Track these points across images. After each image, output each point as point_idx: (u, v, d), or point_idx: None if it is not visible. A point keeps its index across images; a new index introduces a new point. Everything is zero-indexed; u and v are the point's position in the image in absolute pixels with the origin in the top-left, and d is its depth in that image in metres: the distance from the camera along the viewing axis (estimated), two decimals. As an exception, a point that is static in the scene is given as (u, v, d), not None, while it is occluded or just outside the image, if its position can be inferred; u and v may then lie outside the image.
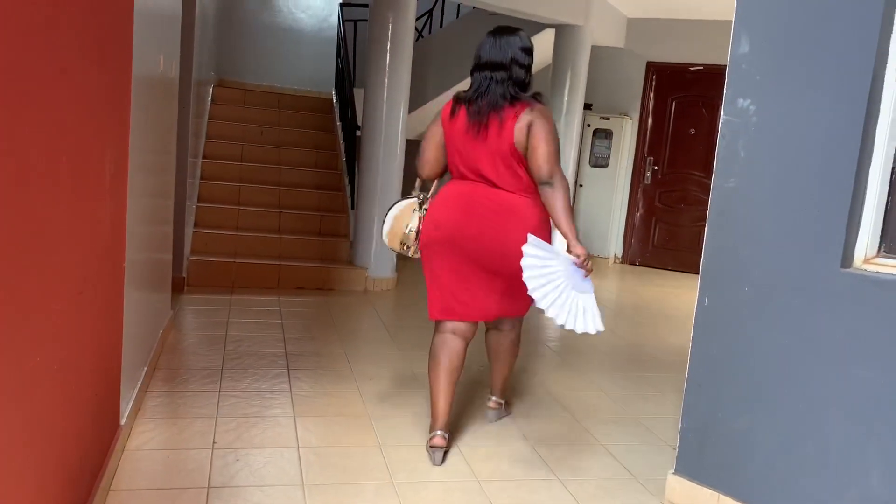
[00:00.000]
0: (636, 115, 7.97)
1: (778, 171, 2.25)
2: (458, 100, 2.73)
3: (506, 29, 2.73)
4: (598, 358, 4.38)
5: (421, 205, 2.87)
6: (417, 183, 2.90)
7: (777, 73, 2.25)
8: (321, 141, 7.17)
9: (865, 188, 2.15)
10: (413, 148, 6.50)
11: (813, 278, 2.18)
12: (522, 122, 2.59)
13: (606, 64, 7.95)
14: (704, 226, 2.46)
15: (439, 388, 2.77)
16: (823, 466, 2.18)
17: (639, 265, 8.07)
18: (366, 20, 5.79)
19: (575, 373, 4.00)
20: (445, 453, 2.75)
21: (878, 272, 2.12)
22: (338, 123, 7.34)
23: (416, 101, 6.93)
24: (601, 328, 2.52)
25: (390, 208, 2.95)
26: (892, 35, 2.09)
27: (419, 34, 7.94)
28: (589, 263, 2.56)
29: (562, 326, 2.48)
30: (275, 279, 5.42)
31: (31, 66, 1.38)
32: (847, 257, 2.15)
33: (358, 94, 6.51)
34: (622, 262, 8.16)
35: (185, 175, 4.77)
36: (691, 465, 2.49)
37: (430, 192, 2.91)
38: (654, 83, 7.89)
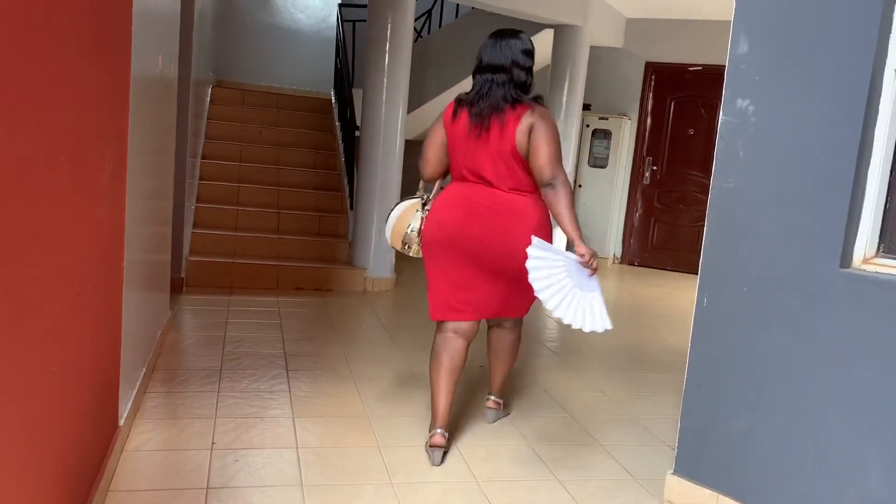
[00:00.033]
0: (635, 116, 7.97)
1: (777, 172, 2.26)
2: (459, 102, 2.74)
3: (507, 31, 2.75)
4: (597, 358, 4.39)
5: (424, 205, 2.89)
6: (421, 184, 2.93)
7: (776, 73, 2.25)
8: (320, 141, 7.17)
9: (864, 188, 2.15)
10: (412, 148, 6.49)
11: (812, 278, 2.18)
12: (524, 125, 2.60)
13: (605, 64, 7.96)
14: (703, 226, 2.46)
15: (440, 386, 2.78)
16: (822, 466, 2.18)
17: (638, 265, 8.07)
18: (364, 20, 5.78)
19: (574, 373, 4.01)
20: (445, 454, 2.75)
21: (876, 272, 2.12)
22: (336, 124, 7.34)
23: (414, 102, 6.93)
24: (609, 326, 2.52)
25: (393, 208, 2.98)
26: (891, 35, 2.09)
27: (418, 34, 7.94)
28: (594, 262, 2.58)
29: (569, 326, 2.49)
30: (274, 280, 5.42)
31: (30, 66, 1.38)
32: (846, 257, 2.15)
33: (357, 94, 6.51)
34: (621, 263, 8.16)
35: (184, 175, 4.77)
36: (690, 466, 2.49)
37: (433, 193, 2.92)
38: (652, 83, 7.90)
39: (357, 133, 6.18)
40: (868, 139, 2.12)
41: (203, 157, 6.27)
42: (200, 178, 6.05)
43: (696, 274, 2.47)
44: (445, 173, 2.86)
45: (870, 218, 2.17)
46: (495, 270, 2.72)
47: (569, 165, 7.19)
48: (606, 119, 8.01)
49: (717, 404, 2.41)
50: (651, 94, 7.91)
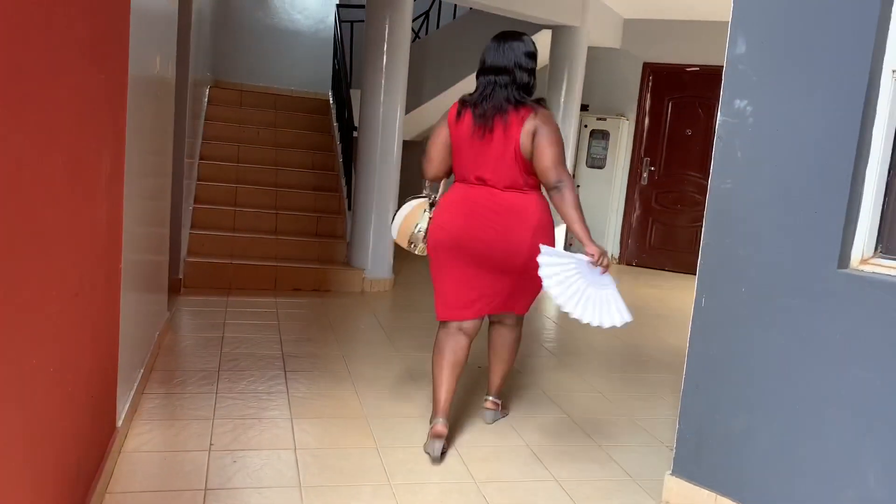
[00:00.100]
0: (633, 116, 7.97)
1: (775, 172, 2.26)
2: (463, 103, 2.79)
3: (510, 34, 2.81)
4: (595, 359, 4.39)
5: (431, 205, 2.94)
6: (427, 182, 2.97)
7: (774, 73, 2.26)
8: (318, 142, 7.16)
9: (862, 189, 2.15)
10: (410, 149, 6.48)
11: (810, 279, 2.19)
12: (528, 128, 2.66)
13: (603, 65, 7.96)
14: (701, 226, 2.46)
15: (442, 379, 2.82)
16: (821, 467, 2.18)
17: (636, 266, 8.07)
18: (362, 21, 5.78)
19: (572, 373, 4.00)
20: (443, 454, 2.76)
21: (874, 273, 2.12)
22: (334, 124, 7.33)
23: (412, 103, 6.93)
24: (628, 318, 2.56)
25: (400, 206, 3.01)
26: (889, 35, 2.09)
27: (416, 35, 7.94)
28: (605, 260, 2.62)
29: (589, 324, 2.54)
30: (271, 280, 5.41)
31: (28, 66, 1.37)
32: (844, 258, 2.15)
33: (355, 95, 6.51)
34: (619, 263, 8.16)
35: (182, 176, 4.76)
36: (689, 466, 2.49)
37: (440, 192, 2.98)
38: (650, 84, 7.90)
39: (355, 134, 6.18)
40: (866, 139, 2.12)
41: (201, 158, 6.26)
42: (198, 179, 6.04)
43: (694, 274, 2.48)
44: (449, 172, 2.91)
45: (868, 218, 2.17)
46: (499, 269, 2.77)
47: (567, 166, 7.19)
48: (604, 120, 8.01)
49: (716, 405, 2.41)
50: (649, 95, 7.92)
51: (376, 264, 5.68)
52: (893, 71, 2.10)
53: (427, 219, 2.90)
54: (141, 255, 2.96)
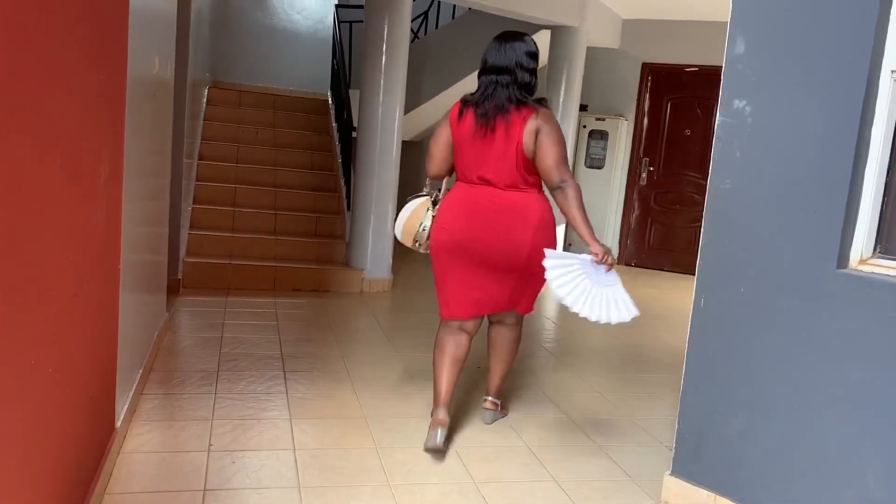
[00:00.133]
0: (632, 116, 7.98)
1: (774, 172, 2.26)
2: (465, 102, 2.83)
3: (511, 34, 2.84)
4: (594, 359, 4.39)
5: (434, 203, 2.97)
6: (428, 180, 3.00)
7: (773, 74, 2.26)
8: (317, 142, 7.16)
9: (861, 189, 2.15)
10: (409, 149, 6.47)
11: (809, 279, 2.19)
12: (530, 127, 2.69)
13: (602, 65, 7.96)
14: (700, 227, 2.46)
15: (443, 371, 2.86)
16: (820, 467, 2.18)
17: (635, 266, 8.07)
18: (361, 21, 5.78)
19: (571, 374, 4.00)
20: (447, 443, 2.79)
21: (873, 273, 2.12)
22: (333, 125, 7.33)
23: (411, 103, 6.92)
24: (635, 312, 2.64)
25: (402, 207, 3.04)
26: (888, 36, 2.10)
27: (415, 35, 7.94)
28: (609, 258, 2.67)
29: (598, 322, 2.61)
30: (271, 281, 5.41)
31: (27, 66, 1.37)
32: (843, 258, 2.15)
33: (354, 95, 6.51)
34: (618, 263, 8.16)
35: (181, 176, 4.76)
36: (688, 467, 2.49)
37: (443, 191, 3.01)
38: (649, 84, 7.90)
39: (354, 134, 6.18)
40: (865, 140, 2.12)
41: (200, 159, 6.26)
42: (197, 180, 6.04)
43: (693, 275, 2.48)
44: (451, 170, 2.94)
45: (866, 219, 2.17)
46: (501, 268, 2.80)
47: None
48: (603, 120, 8.01)
49: (715, 405, 2.41)
50: (648, 95, 7.92)
51: (375, 264, 5.68)
52: (892, 71, 2.11)
53: (431, 217, 2.93)
54: (140, 255, 2.96)
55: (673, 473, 2.53)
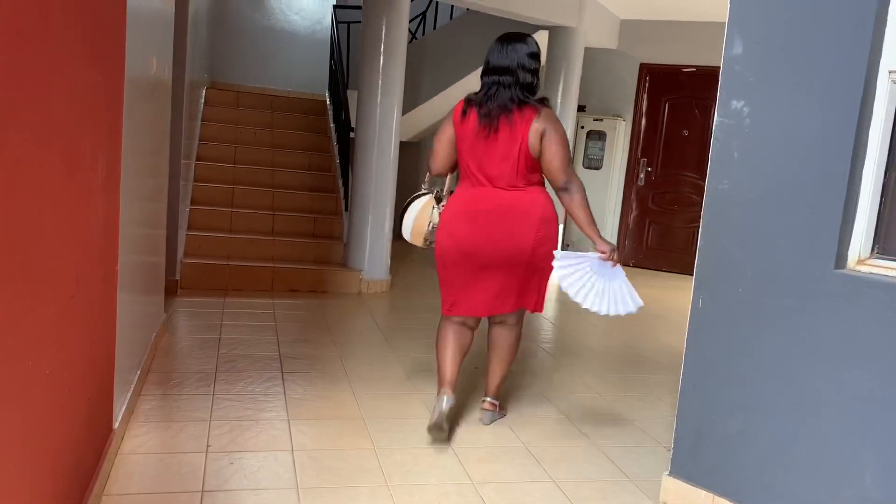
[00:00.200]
0: (629, 117, 7.98)
1: (772, 173, 2.26)
2: (468, 102, 2.87)
3: (513, 35, 2.89)
4: (593, 359, 4.39)
5: (438, 200, 3.01)
6: (427, 177, 3.04)
7: (771, 74, 2.26)
8: (315, 143, 7.16)
9: (859, 189, 2.16)
10: (407, 150, 6.48)
11: (807, 279, 2.19)
12: (536, 127, 2.75)
13: (600, 65, 7.97)
14: (698, 227, 2.46)
15: (447, 357, 2.92)
16: (818, 467, 2.18)
17: (633, 266, 8.07)
18: (359, 22, 5.78)
19: (570, 374, 4.00)
20: (450, 433, 2.86)
21: (871, 273, 2.12)
22: (331, 125, 7.33)
23: (409, 103, 6.92)
24: (640, 303, 2.79)
25: (407, 207, 3.07)
26: (885, 36, 2.10)
27: (412, 36, 7.94)
28: (615, 255, 2.82)
29: (606, 315, 2.76)
30: (268, 282, 5.41)
31: (25, 67, 1.37)
32: (841, 258, 2.16)
33: (352, 95, 6.50)
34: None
35: (179, 177, 4.75)
36: (686, 467, 2.49)
37: (446, 189, 3.05)
38: (647, 85, 7.91)
39: (352, 135, 6.17)
40: (862, 140, 2.12)
41: (197, 159, 6.25)
42: (195, 180, 6.03)
43: (691, 275, 2.48)
44: (454, 168, 2.99)
45: (864, 219, 2.18)
46: (506, 267, 2.85)
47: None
48: (601, 120, 8.02)
49: (713, 405, 2.41)
50: (645, 96, 7.93)
51: (373, 265, 5.67)
52: (890, 72, 2.11)
53: (437, 214, 2.98)
54: (137, 256, 2.96)
55: (671, 473, 2.53)
